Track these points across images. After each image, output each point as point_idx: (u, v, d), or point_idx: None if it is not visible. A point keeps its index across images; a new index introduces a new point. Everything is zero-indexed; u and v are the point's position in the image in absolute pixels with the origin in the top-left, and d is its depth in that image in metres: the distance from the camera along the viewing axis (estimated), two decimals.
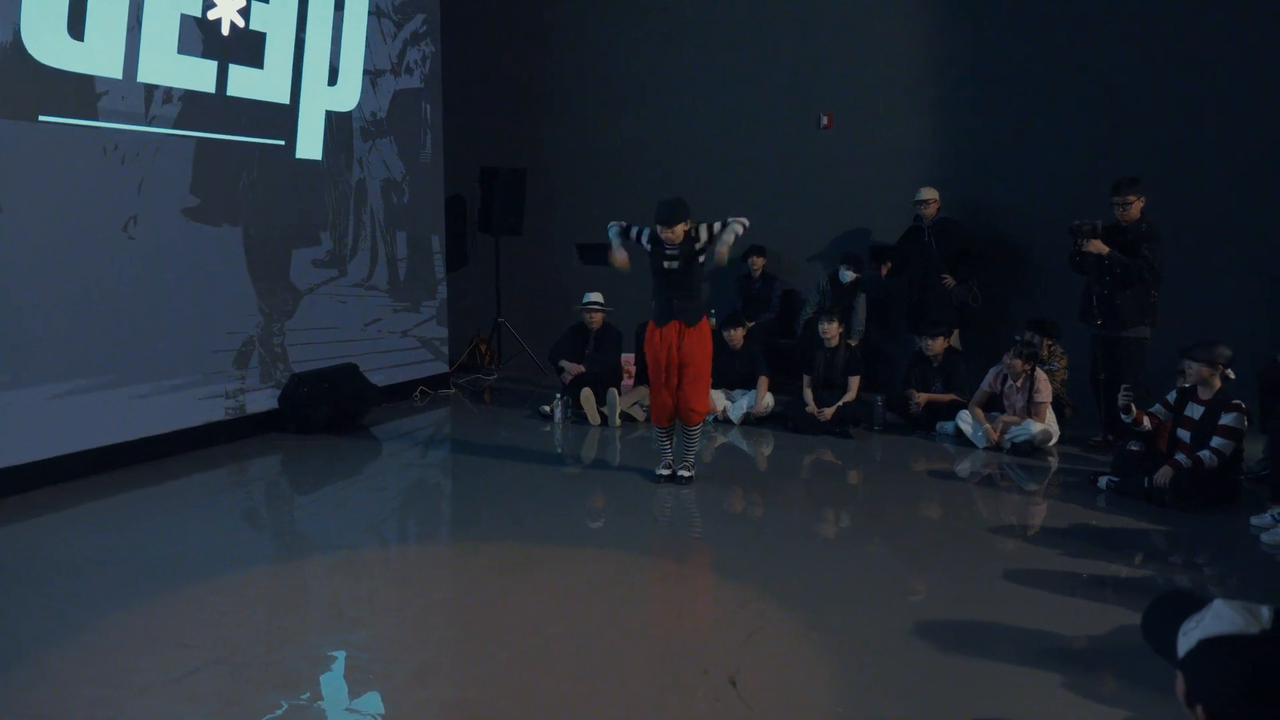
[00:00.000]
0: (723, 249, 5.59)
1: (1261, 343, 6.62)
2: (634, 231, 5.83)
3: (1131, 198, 6.52)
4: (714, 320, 9.13)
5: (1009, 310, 8.03)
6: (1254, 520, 5.10)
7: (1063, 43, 8.13)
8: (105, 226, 6.17)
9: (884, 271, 8.58)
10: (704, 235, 5.65)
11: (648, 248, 5.76)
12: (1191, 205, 7.54)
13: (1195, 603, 1.64)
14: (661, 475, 5.96)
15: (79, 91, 5.97)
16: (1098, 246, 6.48)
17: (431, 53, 9.29)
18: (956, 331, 8.06)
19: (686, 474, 5.93)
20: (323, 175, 8.02)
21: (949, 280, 7.94)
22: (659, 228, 5.61)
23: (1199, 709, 1.48)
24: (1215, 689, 1.46)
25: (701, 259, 5.68)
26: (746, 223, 5.70)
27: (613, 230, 5.87)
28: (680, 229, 5.60)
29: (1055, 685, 3.31)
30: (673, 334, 5.72)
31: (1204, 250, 7.46)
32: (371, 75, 8.51)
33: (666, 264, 5.67)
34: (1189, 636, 1.53)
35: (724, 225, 5.62)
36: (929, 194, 8.13)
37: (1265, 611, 1.50)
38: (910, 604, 4.10)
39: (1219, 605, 1.53)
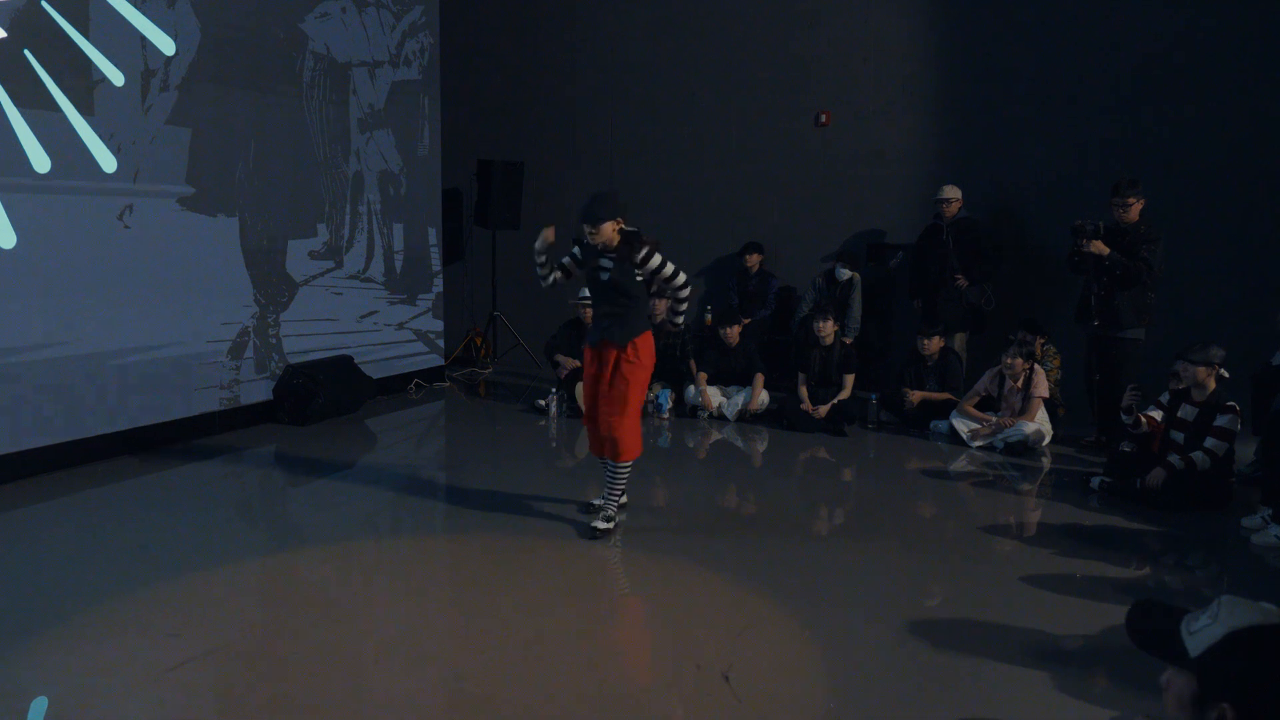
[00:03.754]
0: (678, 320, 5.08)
1: (1254, 344, 6.63)
2: (574, 252, 4.97)
3: (1131, 199, 6.54)
4: (709, 317, 9.18)
5: (1021, 312, 7.99)
6: (1245, 522, 5.12)
7: (1063, 41, 8.14)
8: (100, 215, 6.16)
9: (893, 264, 8.57)
10: (651, 261, 4.73)
11: (576, 254, 4.95)
12: (1186, 207, 7.56)
13: (1172, 607, 1.60)
14: (596, 504, 5.14)
15: (76, 79, 5.95)
16: (1099, 247, 6.49)
17: (430, 44, 9.27)
18: (964, 334, 8.06)
19: (603, 525, 4.86)
20: (320, 166, 8.00)
21: (962, 281, 7.91)
22: (584, 227, 4.73)
23: (1225, 707, 1.39)
24: (1255, 680, 1.38)
25: (640, 278, 4.80)
26: (685, 297, 4.98)
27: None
28: (609, 228, 4.69)
29: (1047, 685, 3.32)
30: (602, 355, 4.88)
31: (1197, 251, 7.48)
32: (369, 67, 8.49)
33: (602, 274, 4.80)
34: (1202, 634, 1.46)
35: (674, 278, 4.82)
36: (951, 192, 7.99)
37: (1273, 606, 1.47)
38: (903, 602, 4.10)
39: (1230, 600, 1.47)
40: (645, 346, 4.86)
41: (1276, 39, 7.39)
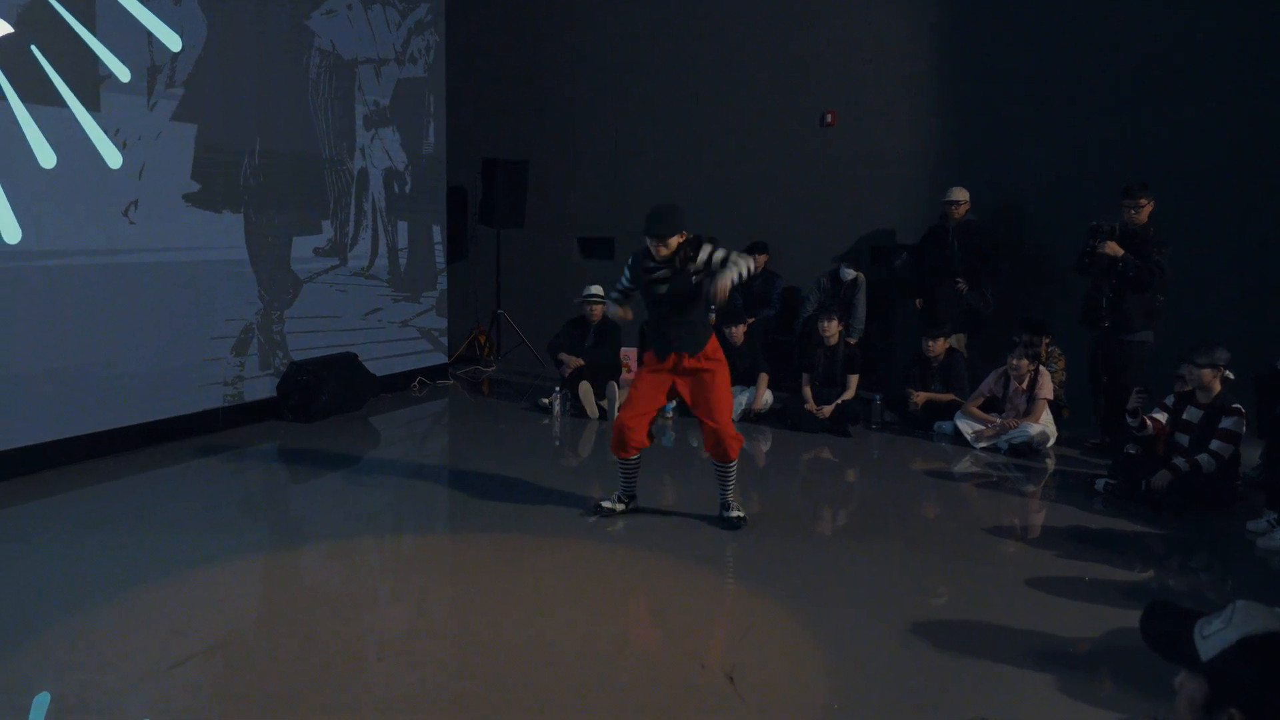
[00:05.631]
0: (724, 282, 4.52)
1: (1258, 347, 6.61)
2: (623, 280, 4.97)
3: (1143, 201, 6.53)
4: (713, 316, 9.16)
5: (1021, 313, 7.94)
6: (1250, 525, 5.10)
7: (1063, 42, 8.12)
8: (106, 211, 6.16)
9: (898, 264, 8.58)
10: (702, 258, 4.69)
11: (626, 277, 4.93)
12: (1187, 208, 7.53)
13: (1186, 609, 1.60)
14: (604, 506, 5.16)
15: (82, 75, 5.95)
16: (1113, 248, 6.47)
17: (435, 42, 9.28)
18: (963, 335, 8.05)
19: (738, 514, 5.03)
20: (325, 163, 8.00)
21: (962, 285, 7.90)
22: (649, 241, 4.69)
23: (1234, 712, 1.39)
24: (1265, 686, 1.38)
25: (696, 280, 4.74)
26: (753, 266, 4.74)
27: (611, 300, 5.10)
28: (674, 242, 4.66)
29: (1051, 687, 3.31)
30: (672, 366, 4.88)
31: (1199, 253, 7.45)
32: (375, 64, 8.49)
33: (660, 287, 4.77)
34: (1214, 638, 1.46)
35: (726, 259, 4.64)
36: (960, 194, 7.99)
37: None
38: (907, 603, 4.09)
39: (1245, 605, 1.47)
40: (716, 349, 4.92)
41: (1276, 39, 7.36)
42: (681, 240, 4.70)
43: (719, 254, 4.69)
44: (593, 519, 5.11)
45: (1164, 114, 7.76)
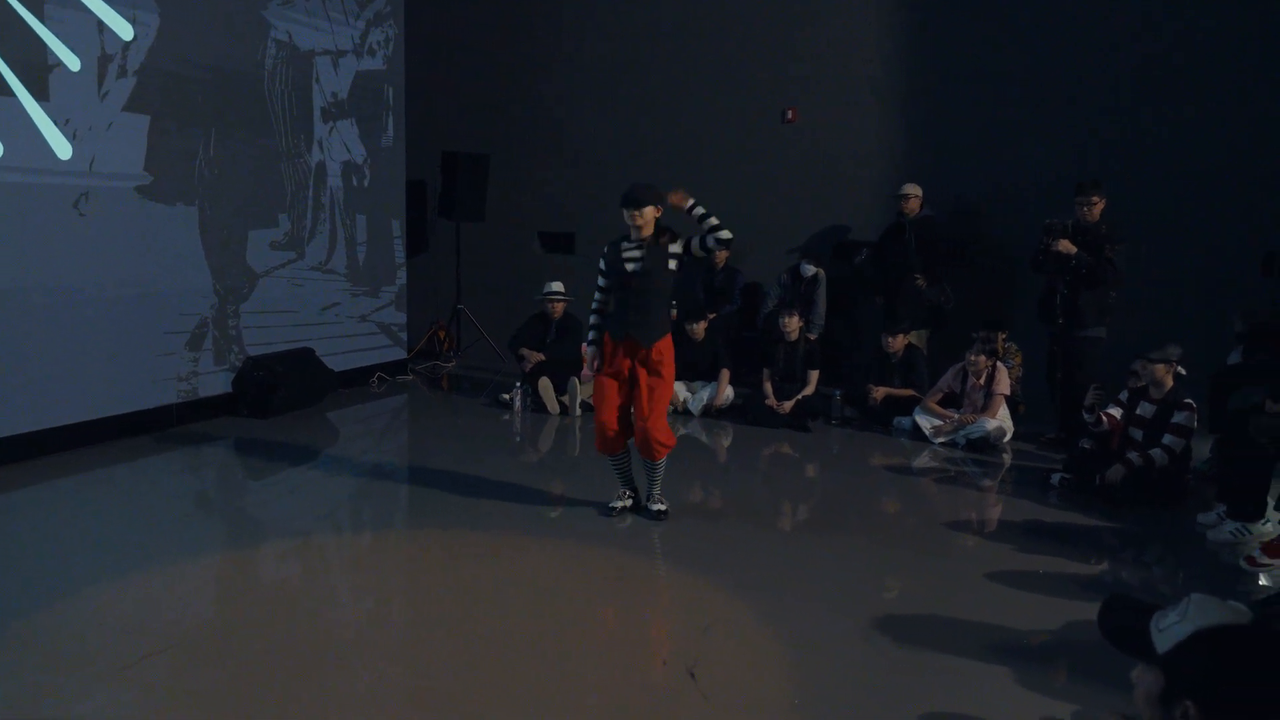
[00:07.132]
0: (681, 196, 4.86)
1: (1210, 343, 6.73)
2: (600, 280, 5.02)
3: (1096, 198, 6.62)
4: (674, 310, 9.15)
5: (983, 310, 7.95)
6: (1201, 518, 5.20)
7: (1032, 42, 8.17)
8: (55, 203, 6.03)
9: (859, 261, 8.62)
10: (681, 249, 4.85)
11: (602, 269, 4.98)
12: (1142, 207, 7.63)
13: (1143, 603, 1.62)
14: (613, 507, 5.17)
15: (31, 64, 5.82)
16: (1066, 246, 6.55)
17: (394, 34, 9.18)
18: (924, 331, 8.10)
19: (660, 506, 5.12)
20: (282, 156, 7.89)
21: (921, 282, 7.95)
22: (624, 213, 4.80)
23: (1188, 705, 1.41)
24: (1218, 679, 1.40)
25: (673, 265, 4.85)
26: (723, 235, 4.80)
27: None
28: (649, 213, 4.78)
29: (1009, 679, 3.35)
30: (625, 352, 4.93)
31: (1154, 252, 7.56)
32: (333, 55, 8.39)
33: (629, 265, 4.82)
34: (1170, 631, 1.47)
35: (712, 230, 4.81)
36: (911, 190, 8.04)
37: (1242, 605, 1.49)
38: (866, 597, 4.12)
39: (1200, 598, 1.49)
40: (668, 350, 4.96)
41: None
42: (657, 215, 4.82)
43: (711, 221, 4.82)
44: (605, 518, 5.10)
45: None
